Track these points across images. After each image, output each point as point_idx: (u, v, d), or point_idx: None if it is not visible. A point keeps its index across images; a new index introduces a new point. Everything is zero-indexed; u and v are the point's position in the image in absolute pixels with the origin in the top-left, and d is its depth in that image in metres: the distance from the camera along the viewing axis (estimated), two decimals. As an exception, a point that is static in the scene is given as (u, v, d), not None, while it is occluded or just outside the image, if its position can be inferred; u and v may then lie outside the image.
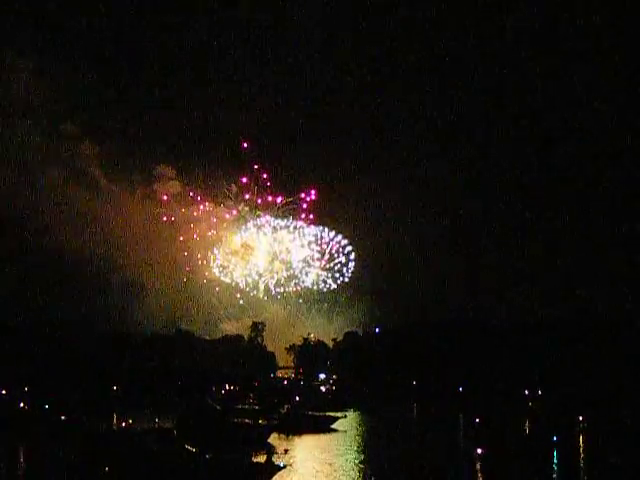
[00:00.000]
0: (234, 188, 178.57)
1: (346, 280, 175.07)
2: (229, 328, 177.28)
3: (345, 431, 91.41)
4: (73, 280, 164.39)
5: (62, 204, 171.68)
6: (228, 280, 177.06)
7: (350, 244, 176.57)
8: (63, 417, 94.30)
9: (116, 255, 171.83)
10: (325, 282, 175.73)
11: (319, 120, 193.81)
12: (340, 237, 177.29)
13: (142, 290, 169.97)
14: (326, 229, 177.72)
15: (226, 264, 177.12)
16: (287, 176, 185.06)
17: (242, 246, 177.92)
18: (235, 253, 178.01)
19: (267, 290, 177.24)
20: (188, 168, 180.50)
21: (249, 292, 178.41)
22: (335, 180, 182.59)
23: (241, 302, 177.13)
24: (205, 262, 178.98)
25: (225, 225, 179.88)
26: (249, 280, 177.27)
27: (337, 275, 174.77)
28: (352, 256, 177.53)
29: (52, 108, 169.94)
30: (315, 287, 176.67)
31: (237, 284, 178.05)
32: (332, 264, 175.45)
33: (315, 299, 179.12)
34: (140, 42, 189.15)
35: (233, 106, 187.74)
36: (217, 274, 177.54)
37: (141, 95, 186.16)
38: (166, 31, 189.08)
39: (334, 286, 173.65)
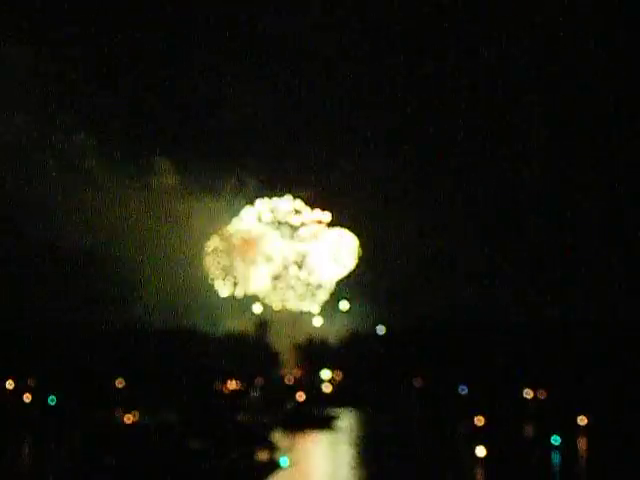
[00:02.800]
0: (233, 182, 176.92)
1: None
2: (231, 325, 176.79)
3: (348, 429, 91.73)
4: (70, 274, 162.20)
5: (56, 196, 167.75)
6: (228, 275, 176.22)
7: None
8: (67, 411, 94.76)
9: (113, 248, 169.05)
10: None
11: (322, 113, 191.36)
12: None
13: (141, 284, 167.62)
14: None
15: (225, 259, 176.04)
16: (286, 170, 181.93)
17: (242, 241, 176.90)
18: (234, 248, 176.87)
19: (270, 287, 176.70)
20: (185, 160, 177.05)
21: (252, 287, 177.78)
22: (336, 176, 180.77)
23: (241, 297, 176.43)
24: (204, 257, 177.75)
25: (224, 219, 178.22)
26: (250, 276, 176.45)
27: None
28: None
29: (46, 98, 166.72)
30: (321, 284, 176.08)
31: (238, 280, 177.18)
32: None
33: (319, 296, 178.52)
34: (138, 33, 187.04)
35: (232, 98, 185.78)
36: (216, 269, 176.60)
37: (137, 85, 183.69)
38: (165, 22, 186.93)
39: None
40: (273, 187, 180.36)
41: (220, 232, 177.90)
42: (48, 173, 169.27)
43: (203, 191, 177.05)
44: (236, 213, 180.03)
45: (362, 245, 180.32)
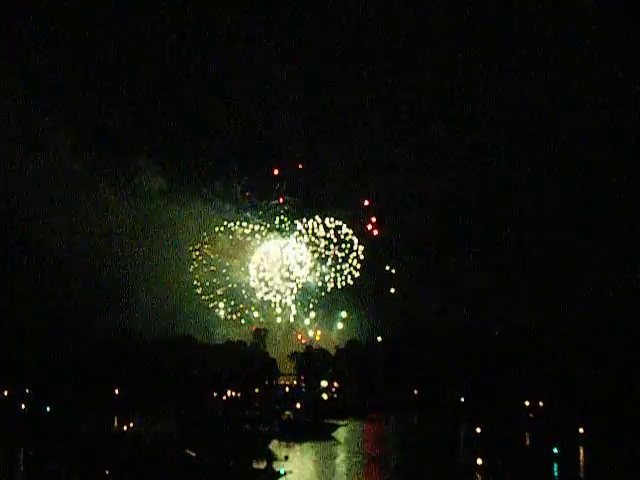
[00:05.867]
0: (219, 186, 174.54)
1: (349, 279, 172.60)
2: (226, 333, 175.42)
3: (346, 439, 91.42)
4: (58, 280, 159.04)
5: (41, 199, 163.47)
6: (222, 283, 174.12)
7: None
8: (64, 420, 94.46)
9: (102, 253, 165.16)
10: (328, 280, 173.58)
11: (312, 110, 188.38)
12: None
13: (133, 292, 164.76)
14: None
15: (219, 265, 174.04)
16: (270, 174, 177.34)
17: (233, 246, 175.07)
18: (226, 253, 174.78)
19: (265, 294, 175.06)
20: (173, 162, 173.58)
21: (245, 296, 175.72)
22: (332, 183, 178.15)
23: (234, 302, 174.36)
24: (197, 263, 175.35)
25: (214, 224, 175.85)
26: (245, 284, 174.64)
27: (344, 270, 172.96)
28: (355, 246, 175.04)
29: (25, 98, 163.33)
30: (317, 287, 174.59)
31: (232, 287, 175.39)
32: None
33: (314, 303, 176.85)
34: (126, 35, 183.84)
35: (219, 98, 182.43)
36: (210, 276, 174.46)
37: (119, 83, 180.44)
38: (152, 25, 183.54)
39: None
40: (261, 192, 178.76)
41: (206, 238, 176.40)
42: (32, 176, 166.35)
43: (190, 195, 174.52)
44: (224, 218, 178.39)
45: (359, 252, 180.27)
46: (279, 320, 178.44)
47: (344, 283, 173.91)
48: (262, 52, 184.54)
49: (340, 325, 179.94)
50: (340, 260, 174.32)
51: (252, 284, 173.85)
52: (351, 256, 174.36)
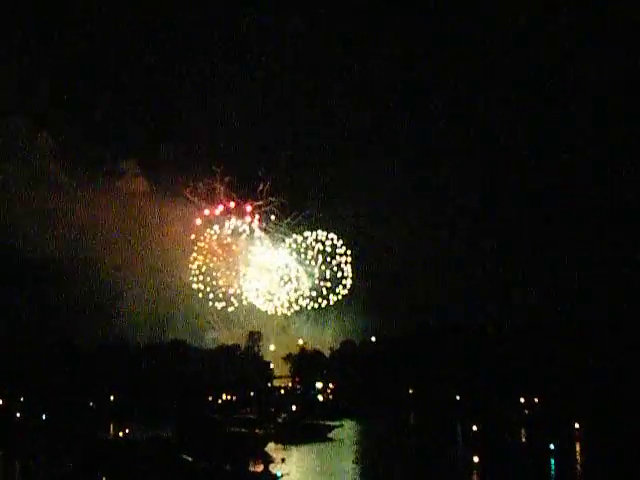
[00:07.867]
0: (201, 188, 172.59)
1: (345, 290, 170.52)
2: (217, 337, 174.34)
3: (342, 440, 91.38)
4: (42, 286, 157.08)
5: (19, 204, 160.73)
6: (209, 286, 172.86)
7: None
8: (60, 427, 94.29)
9: (86, 258, 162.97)
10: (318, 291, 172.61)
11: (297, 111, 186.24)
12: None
13: (119, 297, 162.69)
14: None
15: (205, 268, 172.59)
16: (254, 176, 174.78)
17: (219, 247, 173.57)
18: (213, 254, 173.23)
19: (256, 296, 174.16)
20: (153, 163, 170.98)
21: (234, 301, 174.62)
22: (317, 182, 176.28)
23: (222, 307, 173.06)
24: (182, 266, 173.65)
25: (199, 226, 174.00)
26: (233, 288, 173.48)
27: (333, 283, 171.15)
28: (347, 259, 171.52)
29: (3, 101, 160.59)
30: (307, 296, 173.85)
31: (221, 290, 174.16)
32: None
33: (303, 306, 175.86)
34: (108, 34, 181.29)
35: (200, 99, 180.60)
36: (196, 279, 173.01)
37: (100, 85, 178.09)
38: (137, 25, 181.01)
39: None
40: (244, 193, 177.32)
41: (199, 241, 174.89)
42: (12, 181, 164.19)
43: (174, 197, 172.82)
44: (209, 220, 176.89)
45: (355, 256, 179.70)
46: (272, 322, 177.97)
47: (335, 298, 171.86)
48: (248, 53, 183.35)
49: (333, 326, 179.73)
50: (330, 277, 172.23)
51: (242, 286, 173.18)
52: (340, 274, 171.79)
